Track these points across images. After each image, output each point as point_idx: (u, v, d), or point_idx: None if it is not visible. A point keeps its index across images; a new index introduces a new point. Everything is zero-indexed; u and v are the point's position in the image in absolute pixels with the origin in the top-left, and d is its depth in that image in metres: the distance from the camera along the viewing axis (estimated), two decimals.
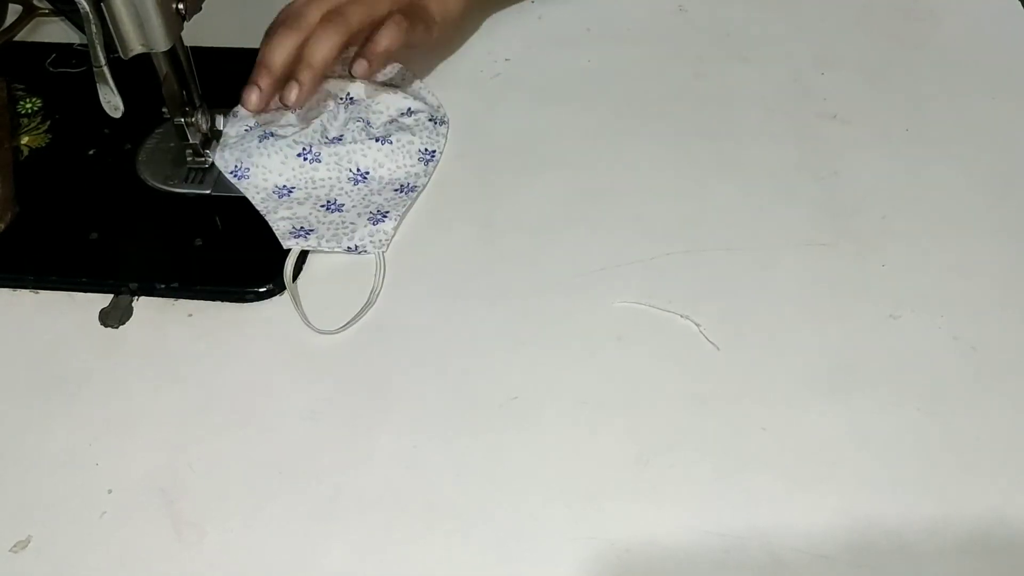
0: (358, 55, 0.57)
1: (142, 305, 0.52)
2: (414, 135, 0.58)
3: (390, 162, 0.57)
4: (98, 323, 0.51)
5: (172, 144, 0.58)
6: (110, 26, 0.48)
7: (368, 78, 0.58)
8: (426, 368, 0.48)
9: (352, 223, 0.54)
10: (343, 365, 0.49)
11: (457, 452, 0.45)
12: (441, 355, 0.49)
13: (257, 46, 0.63)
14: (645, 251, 0.53)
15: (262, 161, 0.56)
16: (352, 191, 0.56)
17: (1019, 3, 0.67)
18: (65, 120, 0.60)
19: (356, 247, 0.53)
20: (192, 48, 0.53)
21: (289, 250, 0.53)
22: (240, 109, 0.58)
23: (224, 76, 0.60)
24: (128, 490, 0.44)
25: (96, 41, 0.48)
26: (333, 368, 0.49)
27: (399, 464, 0.45)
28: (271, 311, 0.51)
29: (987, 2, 0.68)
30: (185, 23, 0.51)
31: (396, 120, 0.59)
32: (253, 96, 0.56)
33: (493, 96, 0.63)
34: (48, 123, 0.60)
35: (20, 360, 0.49)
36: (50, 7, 0.68)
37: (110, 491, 0.44)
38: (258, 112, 0.56)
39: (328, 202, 0.55)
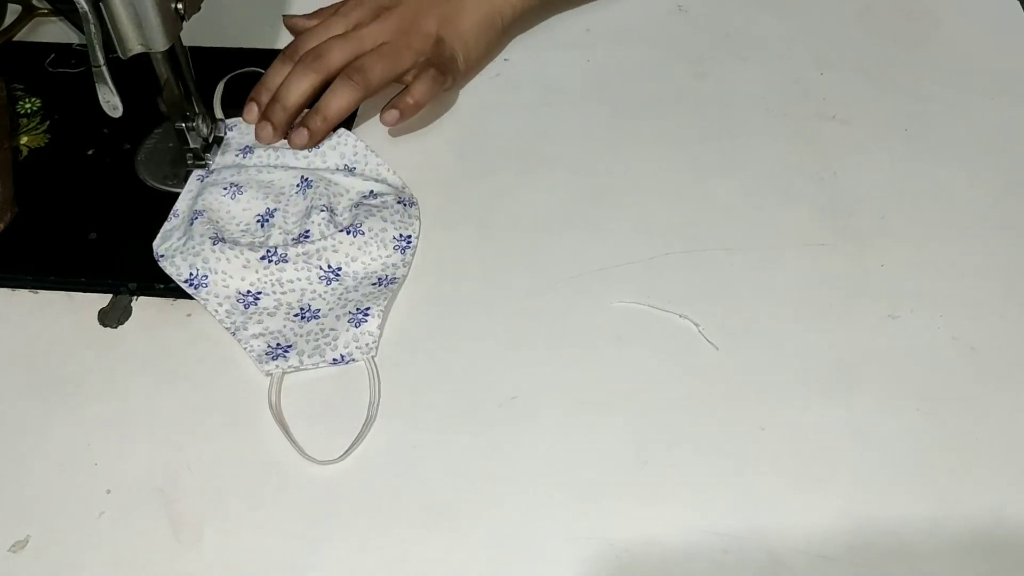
0: (391, 104, 0.56)
1: (141, 305, 0.51)
2: (386, 221, 0.53)
3: (364, 255, 0.52)
4: (97, 323, 0.51)
5: (171, 144, 0.57)
6: (109, 26, 0.48)
7: (394, 124, 0.57)
8: (425, 367, 0.48)
9: (333, 329, 0.49)
10: (342, 364, 0.49)
11: (457, 452, 0.45)
12: (441, 354, 0.49)
13: (256, 46, 0.63)
14: (645, 251, 0.53)
15: (220, 266, 0.50)
16: (326, 292, 0.51)
17: (1019, 4, 0.67)
18: (64, 120, 0.60)
19: (342, 357, 0.48)
20: (192, 48, 0.53)
21: (270, 375, 0.48)
22: (233, 136, 0.57)
23: (224, 76, 0.60)
24: (126, 490, 0.44)
25: (95, 41, 0.48)
26: (332, 368, 0.48)
27: (398, 464, 0.45)
28: None
29: (987, 2, 0.68)
30: (184, 23, 0.51)
31: (362, 203, 0.54)
32: (267, 131, 0.56)
33: (493, 96, 0.63)
34: (47, 123, 0.60)
35: (19, 360, 0.49)
36: (49, 7, 0.68)
37: (108, 491, 0.44)
38: (268, 144, 0.57)
39: (301, 309, 0.50)
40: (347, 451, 0.45)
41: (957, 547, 0.42)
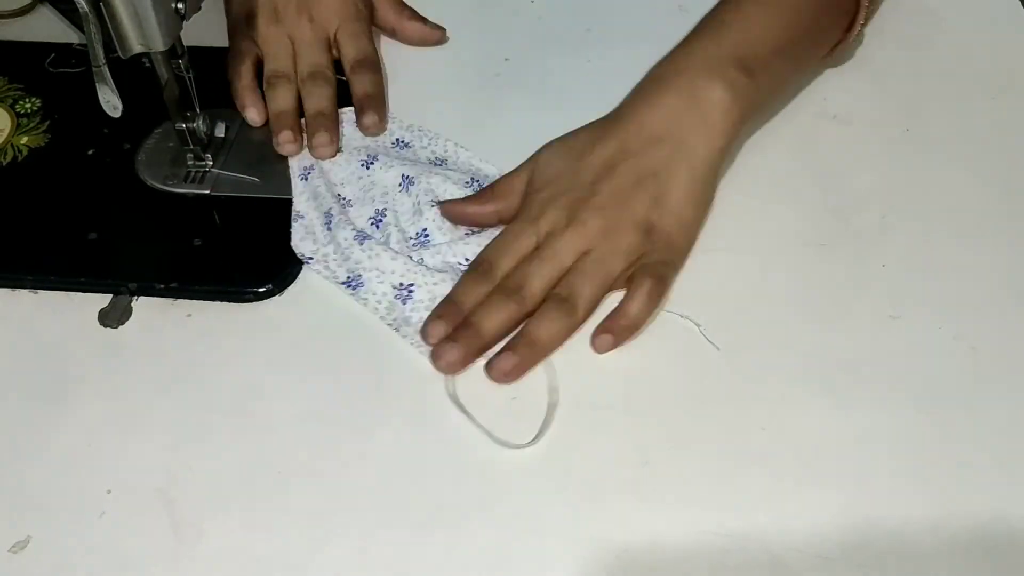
0: (604, 329, 0.49)
1: (141, 305, 0.51)
2: None
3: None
4: (97, 323, 0.50)
5: (171, 144, 0.57)
6: (109, 26, 0.48)
7: (608, 351, 0.49)
8: (426, 368, 0.48)
9: None
10: (343, 365, 0.49)
11: (457, 452, 0.45)
12: None
13: None
14: None
15: (373, 264, 0.51)
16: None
17: (1019, 3, 0.67)
18: (64, 120, 0.60)
19: None
20: (191, 48, 0.53)
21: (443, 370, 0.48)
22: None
23: (224, 76, 0.60)
24: (127, 490, 0.44)
25: (95, 41, 0.48)
26: (332, 368, 0.48)
27: (398, 464, 0.45)
28: (270, 311, 0.51)
29: (987, 2, 0.68)
30: (185, 22, 0.51)
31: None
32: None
33: (493, 96, 0.63)
34: (47, 123, 0.60)
35: (19, 361, 0.49)
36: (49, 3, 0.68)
37: (109, 491, 0.44)
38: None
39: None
40: (536, 436, 0.46)
41: (958, 547, 0.42)
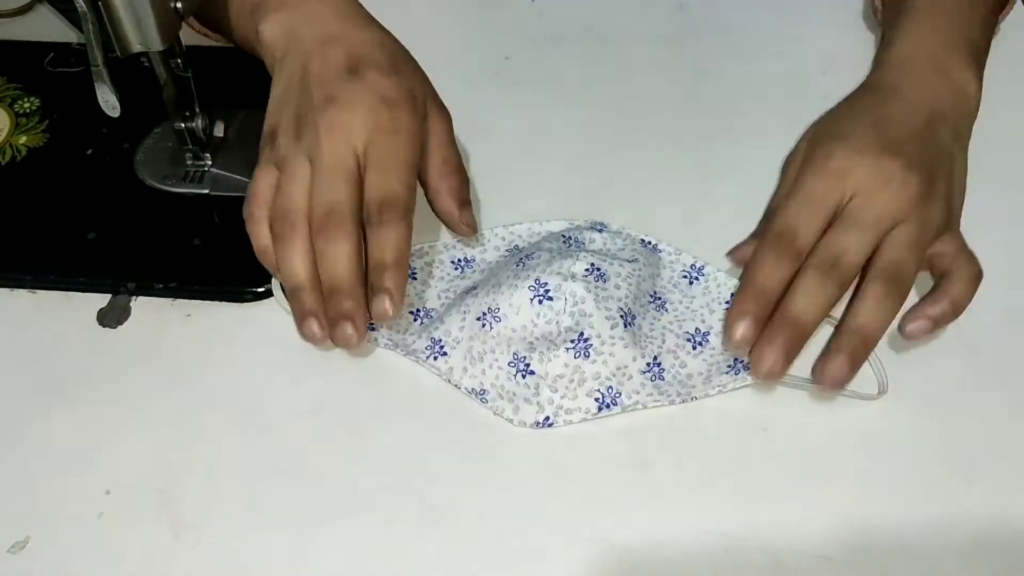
0: (919, 314, 0.43)
1: (140, 305, 0.51)
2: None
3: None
4: (96, 323, 0.50)
5: (170, 144, 0.57)
6: (108, 25, 0.48)
7: (922, 337, 0.44)
8: (425, 368, 0.48)
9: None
10: (343, 365, 0.49)
11: (457, 452, 0.45)
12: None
13: None
14: None
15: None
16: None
17: (1020, 2, 0.67)
18: (63, 120, 0.60)
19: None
20: (190, 47, 0.53)
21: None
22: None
23: (224, 76, 0.60)
24: (126, 491, 0.44)
25: (94, 40, 0.48)
26: (332, 368, 0.48)
27: (398, 464, 0.45)
28: (269, 311, 0.51)
29: None
30: (184, 22, 0.51)
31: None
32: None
33: (493, 95, 0.63)
34: (46, 122, 0.60)
35: (18, 360, 0.49)
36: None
37: (108, 492, 0.44)
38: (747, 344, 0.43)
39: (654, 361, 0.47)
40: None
41: (958, 547, 0.42)
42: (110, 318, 0.50)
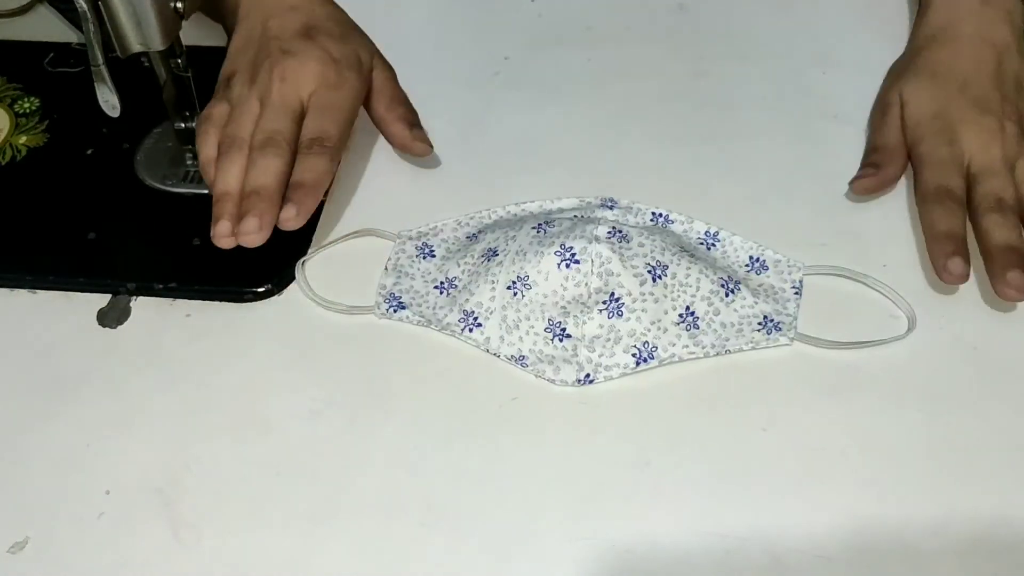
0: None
1: (140, 305, 0.51)
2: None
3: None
4: (96, 323, 0.50)
5: (170, 144, 0.57)
6: (108, 25, 0.48)
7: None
8: (426, 368, 0.48)
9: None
10: (343, 365, 0.49)
11: (457, 452, 0.45)
12: (441, 355, 0.49)
13: None
14: None
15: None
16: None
17: (1020, 3, 0.67)
18: (63, 120, 0.60)
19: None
20: (190, 47, 0.53)
21: None
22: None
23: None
24: (126, 491, 0.44)
25: (94, 40, 0.48)
26: (332, 368, 0.48)
27: (398, 464, 0.45)
28: (270, 311, 0.51)
29: None
30: (184, 22, 0.51)
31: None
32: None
33: (493, 95, 0.63)
34: (46, 123, 0.60)
35: (18, 361, 0.49)
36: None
37: (108, 492, 0.44)
38: None
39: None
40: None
41: (958, 548, 0.42)
42: (110, 318, 0.50)
